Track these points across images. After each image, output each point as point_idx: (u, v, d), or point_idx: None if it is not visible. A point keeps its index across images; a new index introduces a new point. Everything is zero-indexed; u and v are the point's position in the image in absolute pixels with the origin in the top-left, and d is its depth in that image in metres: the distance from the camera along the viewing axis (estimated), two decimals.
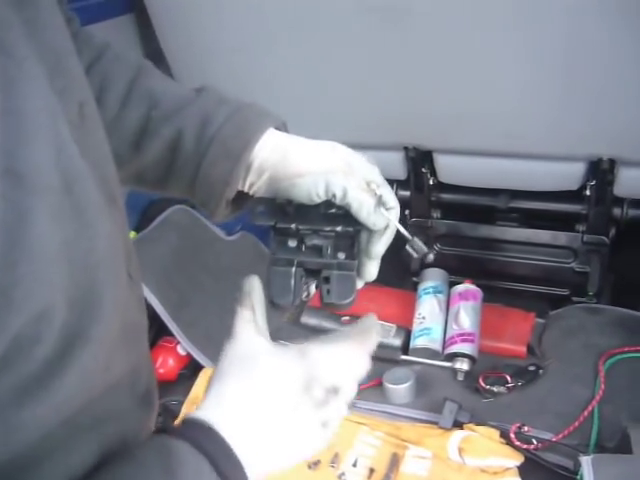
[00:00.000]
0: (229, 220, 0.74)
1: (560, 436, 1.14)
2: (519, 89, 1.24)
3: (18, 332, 0.39)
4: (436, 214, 1.65)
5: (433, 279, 1.49)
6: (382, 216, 0.66)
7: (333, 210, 0.66)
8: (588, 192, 1.43)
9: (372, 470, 1.16)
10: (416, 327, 1.41)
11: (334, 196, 0.64)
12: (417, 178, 1.55)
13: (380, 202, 0.65)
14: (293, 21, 1.27)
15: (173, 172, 0.70)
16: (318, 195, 0.64)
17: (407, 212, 1.64)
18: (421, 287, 1.49)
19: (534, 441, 1.13)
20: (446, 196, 1.61)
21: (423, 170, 1.53)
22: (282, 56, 1.34)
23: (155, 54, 1.42)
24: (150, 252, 1.47)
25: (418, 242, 0.69)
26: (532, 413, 1.21)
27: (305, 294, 0.67)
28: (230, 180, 0.66)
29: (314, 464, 1.17)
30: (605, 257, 1.53)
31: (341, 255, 0.66)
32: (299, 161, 0.66)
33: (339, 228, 0.66)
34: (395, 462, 1.16)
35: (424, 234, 1.67)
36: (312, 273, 0.66)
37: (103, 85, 0.71)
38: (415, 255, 0.69)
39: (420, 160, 1.50)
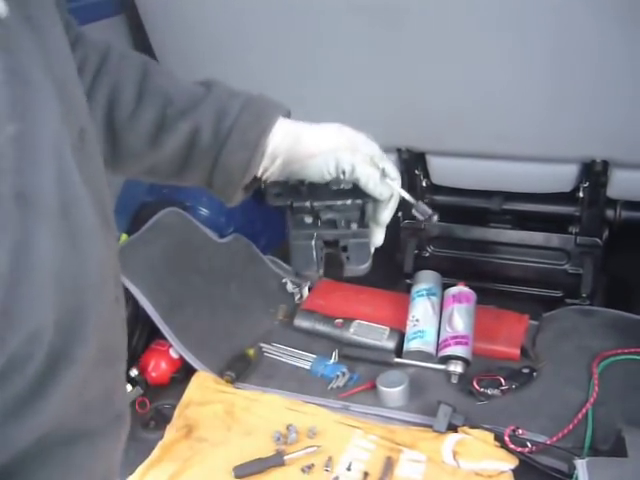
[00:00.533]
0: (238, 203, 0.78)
1: (554, 439, 1.14)
2: (512, 91, 1.24)
3: (14, 350, 0.40)
4: None
5: (426, 281, 1.48)
6: (387, 186, 0.73)
7: (341, 186, 0.73)
8: (581, 194, 1.43)
9: (366, 474, 1.15)
10: (410, 330, 1.40)
11: (343, 172, 0.71)
12: (410, 180, 1.55)
13: (384, 174, 0.73)
14: (285, 21, 1.26)
15: (190, 164, 0.74)
16: (329, 172, 0.71)
17: (400, 214, 1.64)
18: (414, 289, 1.48)
19: (528, 444, 1.13)
20: (439, 198, 1.61)
21: (416, 172, 1.53)
22: (274, 56, 1.33)
23: (147, 55, 1.41)
24: (142, 255, 1.46)
25: (422, 205, 0.77)
26: (526, 416, 1.20)
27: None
28: (249, 167, 0.72)
29: (308, 468, 1.16)
30: (598, 259, 1.53)
31: (354, 225, 0.73)
32: (310, 144, 0.72)
33: (349, 201, 0.73)
34: (389, 466, 1.15)
35: (417, 236, 1.66)
36: (330, 244, 0.74)
37: (116, 85, 0.73)
38: (421, 218, 0.77)
39: (413, 162, 1.50)
